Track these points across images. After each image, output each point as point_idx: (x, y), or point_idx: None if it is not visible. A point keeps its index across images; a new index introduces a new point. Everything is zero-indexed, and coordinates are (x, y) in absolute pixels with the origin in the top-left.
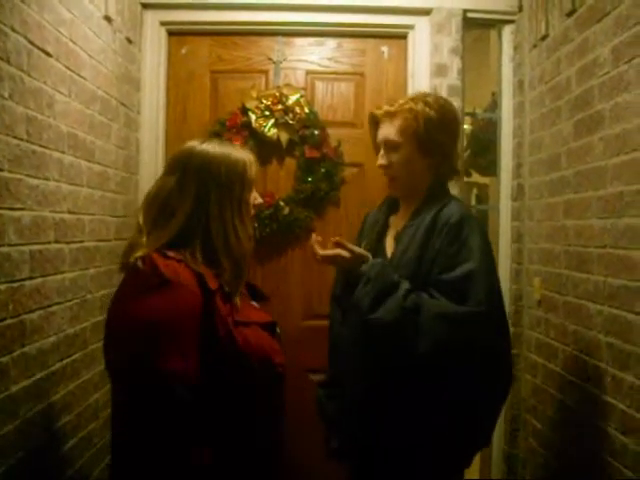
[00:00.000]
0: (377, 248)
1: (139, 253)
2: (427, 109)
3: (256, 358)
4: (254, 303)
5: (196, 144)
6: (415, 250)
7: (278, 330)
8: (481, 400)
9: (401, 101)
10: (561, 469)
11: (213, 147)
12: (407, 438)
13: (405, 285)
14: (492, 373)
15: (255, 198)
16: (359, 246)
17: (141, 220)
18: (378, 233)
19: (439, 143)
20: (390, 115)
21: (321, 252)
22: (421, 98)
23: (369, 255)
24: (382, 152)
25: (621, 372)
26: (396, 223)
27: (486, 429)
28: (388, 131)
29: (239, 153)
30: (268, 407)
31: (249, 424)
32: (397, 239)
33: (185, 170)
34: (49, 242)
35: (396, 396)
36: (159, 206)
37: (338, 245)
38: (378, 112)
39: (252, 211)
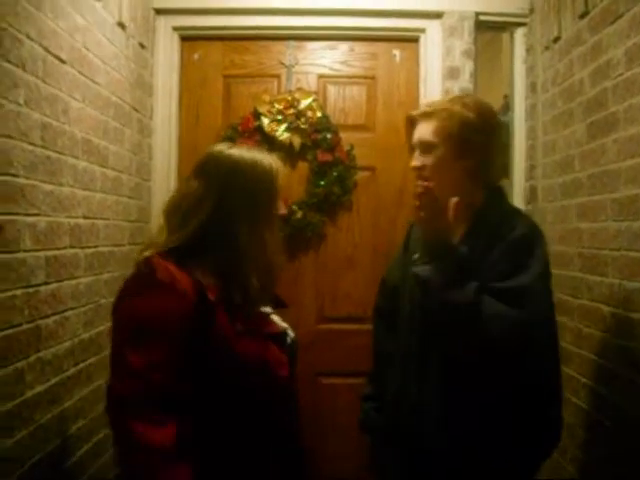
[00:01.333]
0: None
1: (146, 253)
2: (464, 110)
3: (256, 371)
4: (268, 309)
5: (224, 148)
6: (474, 263)
7: (289, 339)
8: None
9: (439, 102)
10: (576, 473)
11: (241, 152)
12: (475, 444)
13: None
14: (543, 391)
15: (280, 208)
16: (406, 260)
17: (162, 221)
18: None
19: (475, 145)
20: (427, 115)
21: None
22: (459, 99)
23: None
24: (416, 153)
25: (637, 376)
26: None
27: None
28: (423, 131)
29: (268, 160)
30: (271, 420)
31: (250, 440)
32: None
33: (211, 174)
34: (64, 247)
35: (470, 399)
36: (182, 209)
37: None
38: (415, 113)
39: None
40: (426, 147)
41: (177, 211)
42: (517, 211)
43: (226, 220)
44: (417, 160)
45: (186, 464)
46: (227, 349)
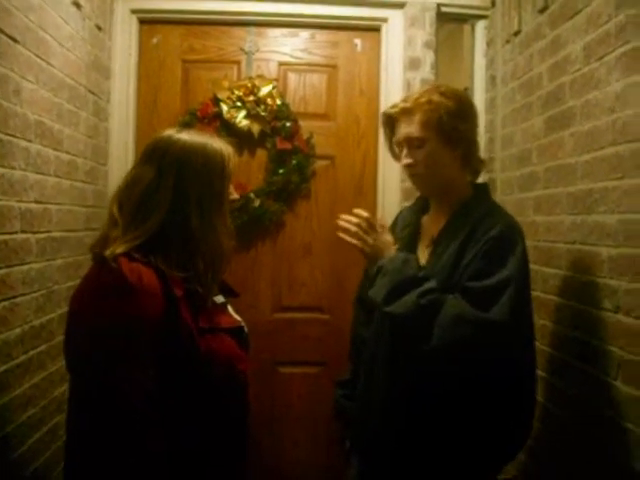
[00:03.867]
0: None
1: (111, 249)
2: (444, 99)
3: (219, 367)
4: (221, 298)
5: (173, 132)
6: (450, 258)
7: (245, 332)
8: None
9: (415, 95)
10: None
11: (192, 137)
12: (425, 445)
13: (430, 284)
14: (509, 395)
15: (231, 193)
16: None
17: (115, 211)
18: (410, 236)
19: (462, 132)
20: (408, 111)
21: (345, 224)
22: (435, 90)
23: (393, 247)
24: (405, 151)
25: (587, 366)
26: (429, 226)
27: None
28: (409, 128)
29: (218, 144)
30: (230, 415)
31: (210, 431)
32: (434, 244)
33: (163, 160)
34: (15, 232)
35: (416, 401)
36: (137, 199)
37: (370, 227)
38: (393, 110)
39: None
40: (416, 143)
41: (133, 202)
42: (499, 208)
43: (180, 206)
44: (408, 157)
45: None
46: (190, 346)
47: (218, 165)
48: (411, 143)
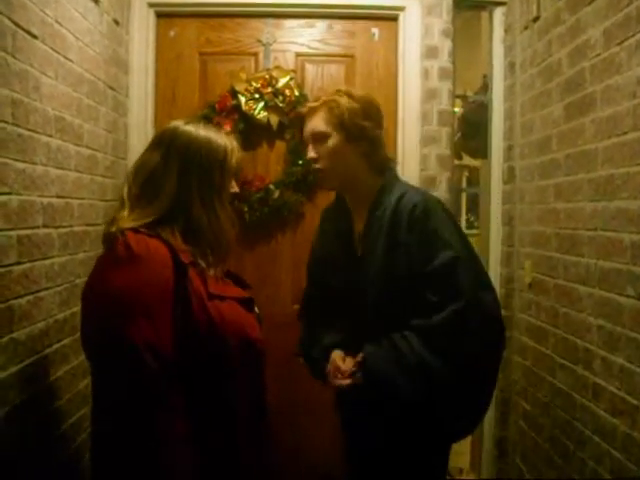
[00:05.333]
0: (351, 254)
1: (118, 225)
2: (350, 100)
3: (231, 332)
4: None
5: (180, 124)
6: (382, 245)
7: (256, 309)
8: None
9: (324, 97)
10: (551, 451)
11: (196, 129)
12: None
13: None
14: (488, 350)
15: (232, 187)
16: (331, 247)
17: (125, 194)
18: (347, 232)
19: (364, 129)
20: (315, 109)
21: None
22: (343, 92)
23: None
24: (310, 146)
25: (611, 354)
26: (355, 220)
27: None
28: (314, 123)
29: (222, 139)
30: (248, 382)
31: (227, 397)
32: (363, 235)
33: (169, 147)
34: (37, 227)
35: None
36: (144, 180)
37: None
38: (303, 109)
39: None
40: (319, 137)
41: (139, 184)
42: (411, 186)
43: (184, 192)
44: (312, 152)
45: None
46: (203, 310)
47: (220, 157)
48: (315, 138)
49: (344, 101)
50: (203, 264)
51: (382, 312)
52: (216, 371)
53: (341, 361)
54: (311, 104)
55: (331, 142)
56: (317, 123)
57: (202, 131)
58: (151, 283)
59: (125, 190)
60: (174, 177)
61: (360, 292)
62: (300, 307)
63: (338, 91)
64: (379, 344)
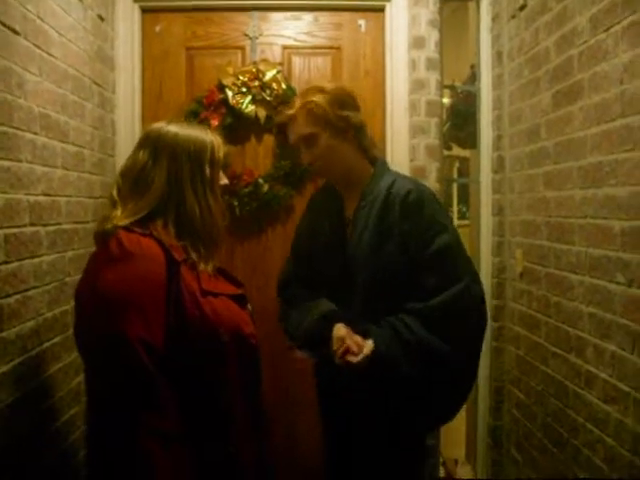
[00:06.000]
0: (341, 238)
1: (111, 223)
2: (324, 95)
3: (224, 327)
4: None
5: (163, 124)
6: (372, 229)
7: (249, 306)
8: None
9: (297, 102)
10: (545, 439)
11: (181, 127)
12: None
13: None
14: (477, 331)
15: (221, 178)
16: (319, 231)
17: (115, 193)
18: (338, 217)
19: (347, 118)
20: (293, 117)
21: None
22: (316, 89)
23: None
24: (302, 149)
25: (603, 342)
26: (345, 207)
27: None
28: (299, 128)
29: (207, 135)
30: (243, 378)
31: (222, 394)
32: (353, 220)
33: (156, 146)
34: (24, 225)
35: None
36: (134, 178)
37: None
38: (281, 119)
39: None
40: (308, 140)
41: (130, 182)
42: (402, 175)
43: (175, 187)
44: (306, 156)
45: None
46: (196, 307)
47: (207, 152)
48: (305, 141)
49: (320, 98)
50: (195, 258)
51: (370, 295)
52: (210, 368)
53: (350, 338)
54: (289, 111)
55: (322, 141)
56: (302, 127)
57: (187, 129)
58: (144, 280)
59: (115, 190)
60: (164, 172)
61: (348, 275)
62: (280, 284)
63: (310, 90)
64: (380, 325)
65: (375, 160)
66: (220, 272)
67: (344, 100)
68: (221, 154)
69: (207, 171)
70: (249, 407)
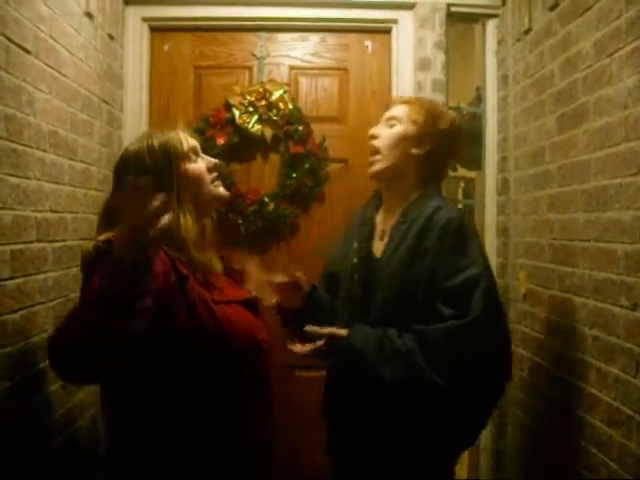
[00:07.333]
0: (366, 249)
1: (101, 238)
2: (434, 107)
3: (239, 334)
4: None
5: (128, 145)
6: (406, 249)
7: (258, 305)
8: (478, 400)
9: (423, 97)
10: (548, 462)
11: (131, 144)
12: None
13: (391, 331)
14: (488, 375)
15: (208, 162)
16: (349, 247)
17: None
18: (368, 232)
19: (430, 138)
20: (406, 101)
21: (301, 349)
22: (432, 101)
23: (339, 331)
24: (380, 130)
25: (606, 365)
26: (382, 221)
27: (477, 427)
28: (397, 109)
29: (158, 139)
30: (255, 382)
31: (235, 400)
32: (389, 236)
33: (117, 174)
34: (31, 241)
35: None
36: (103, 207)
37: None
38: (394, 99)
39: (213, 175)
40: (390, 121)
41: (102, 210)
42: (450, 204)
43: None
44: (376, 129)
45: None
46: (212, 317)
47: (160, 158)
48: (387, 121)
49: (428, 105)
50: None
51: (387, 315)
52: (225, 373)
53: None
54: (407, 97)
55: (396, 129)
56: (399, 110)
57: (136, 143)
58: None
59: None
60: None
61: (369, 291)
62: None
63: (430, 99)
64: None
65: (428, 184)
66: (228, 273)
67: (443, 124)
68: (184, 146)
69: (167, 179)
70: (261, 410)
